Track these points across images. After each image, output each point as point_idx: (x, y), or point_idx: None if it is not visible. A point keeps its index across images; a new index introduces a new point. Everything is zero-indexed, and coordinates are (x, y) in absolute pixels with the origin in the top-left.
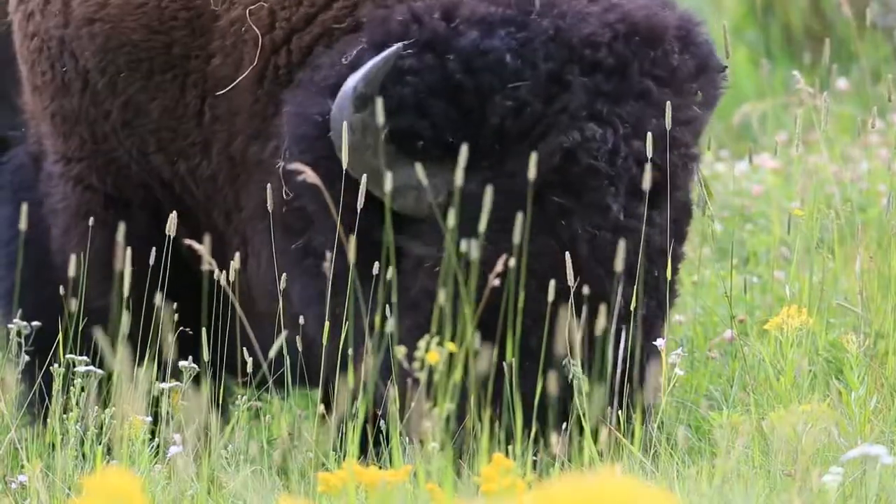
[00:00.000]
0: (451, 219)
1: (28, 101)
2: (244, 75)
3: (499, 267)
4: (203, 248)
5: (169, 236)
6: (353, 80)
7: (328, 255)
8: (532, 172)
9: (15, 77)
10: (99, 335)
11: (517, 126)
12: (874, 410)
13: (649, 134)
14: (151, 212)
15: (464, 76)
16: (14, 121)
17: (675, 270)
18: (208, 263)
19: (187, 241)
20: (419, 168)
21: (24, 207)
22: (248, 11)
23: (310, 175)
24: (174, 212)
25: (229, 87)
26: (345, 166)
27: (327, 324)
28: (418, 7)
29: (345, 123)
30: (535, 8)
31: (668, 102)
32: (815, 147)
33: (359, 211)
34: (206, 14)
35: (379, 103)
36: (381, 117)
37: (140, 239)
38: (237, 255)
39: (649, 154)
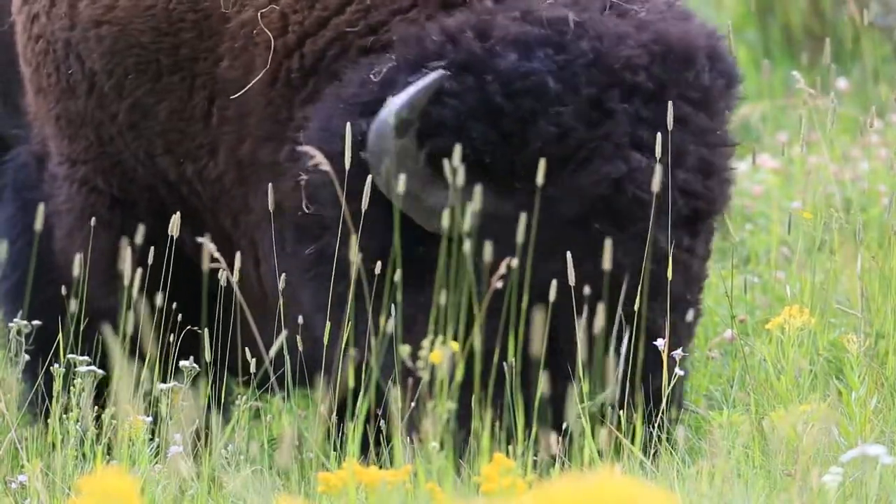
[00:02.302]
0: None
1: (31, 102)
2: (257, 78)
3: (502, 269)
4: (208, 244)
5: (172, 237)
6: (395, 106)
7: (352, 262)
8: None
9: (17, 78)
10: (103, 335)
11: (559, 151)
12: (874, 410)
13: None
14: (156, 214)
15: (504, 99)
16: (17, 120)
17: (700, 290)
18: (210, 262)
19: (200, 240)
20: (453, 191)
21: (41, 207)
22: (259, 14)
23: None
24: (177, 212)
25: (243, 90)
26: (390, 192)
27: (328, 325)
28: (451, 26)
29: (388, 148)
30: (569, 28)
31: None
32: (816, 147)
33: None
34: (214, 16)
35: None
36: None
37: (144, 241)
38: (238, 255)
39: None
